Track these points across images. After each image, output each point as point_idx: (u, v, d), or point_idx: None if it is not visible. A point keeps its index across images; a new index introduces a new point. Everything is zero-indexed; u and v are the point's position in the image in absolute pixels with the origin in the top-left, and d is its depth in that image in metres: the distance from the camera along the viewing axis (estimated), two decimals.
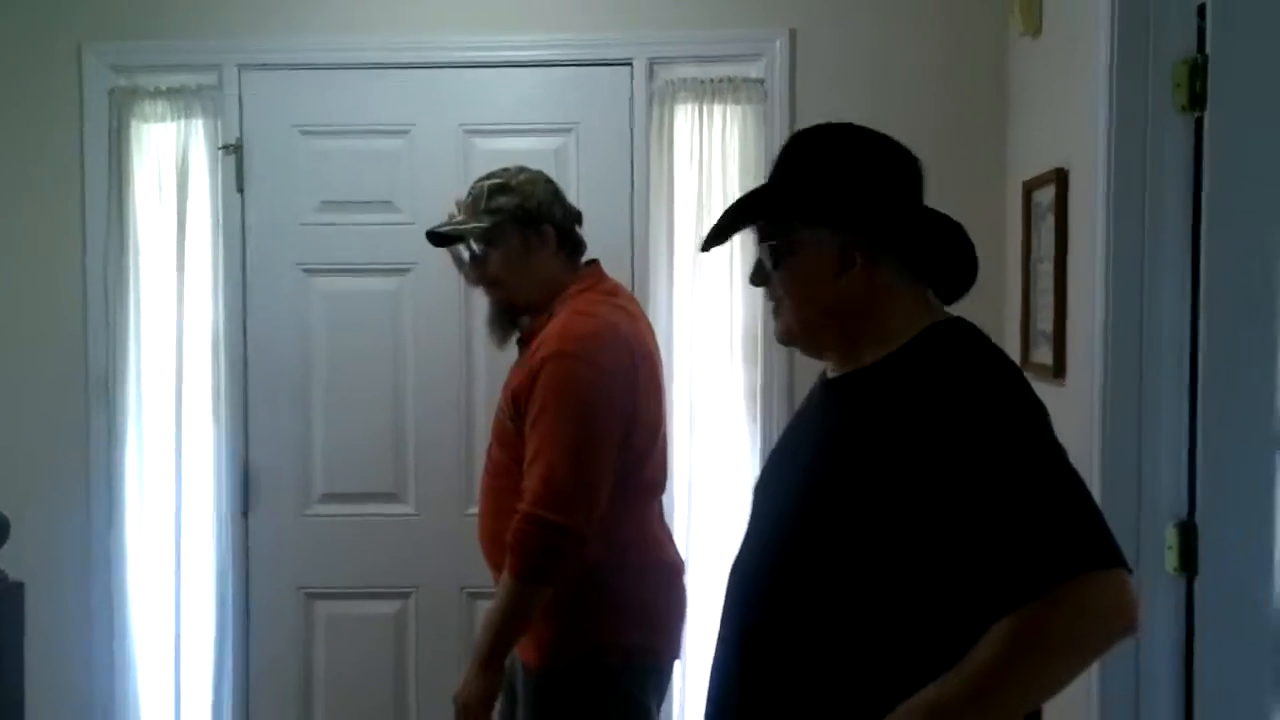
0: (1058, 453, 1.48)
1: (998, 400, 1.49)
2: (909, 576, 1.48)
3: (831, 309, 1.62)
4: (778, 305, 1.69)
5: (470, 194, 2.51)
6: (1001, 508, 1.42)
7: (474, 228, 2.45)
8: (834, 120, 1.70)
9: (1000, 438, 1.46)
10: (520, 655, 2.36)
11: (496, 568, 2.34)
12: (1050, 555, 1.40)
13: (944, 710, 1.42)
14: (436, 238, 2.55)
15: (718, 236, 1.69)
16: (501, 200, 2.44)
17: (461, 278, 2.68)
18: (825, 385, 1.70)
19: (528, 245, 2.44)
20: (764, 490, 1.75)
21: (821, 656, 1.52)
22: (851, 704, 1.50)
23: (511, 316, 2.50)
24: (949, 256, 1.65)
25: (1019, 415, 1.49)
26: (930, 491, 1.46)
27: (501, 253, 2.44)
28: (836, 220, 1.61)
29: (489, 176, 2.51)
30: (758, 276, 1.70)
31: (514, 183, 2.47)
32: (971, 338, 1.60)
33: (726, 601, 1.68)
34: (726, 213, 1.68)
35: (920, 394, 1.51)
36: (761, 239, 1.67)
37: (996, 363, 1.56)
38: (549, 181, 2.52)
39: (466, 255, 2.54)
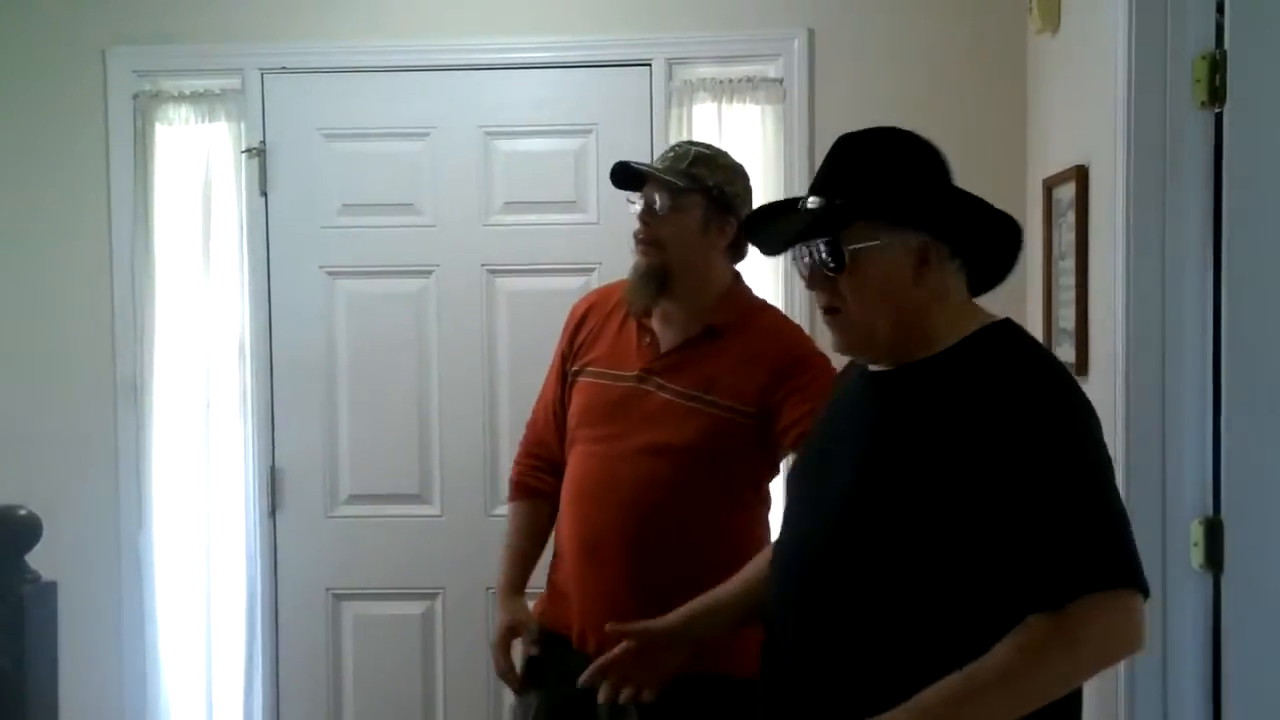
0: (1100, 463, 1.51)
1: (1050, 406, 1.52)
2: (949, 569, 1.51)
3: (902, 313, 1.60)
4: (836, 314, 1.64)
5: (673, 150, 2.40)
6: (1035, 514, 1.46)
7: (667, 180, 2.31)
8: (858, 118, 1.74)
9: (1047, 446, 1.49)
10: (721, 666, 2.09)
11: (673, 578, 2.09)
12: (1070, 569, 1.43)
13: (926, 710, 1.46)
14: (626, 175, 2.36)
15: (787, 243, 1.68)
16: (703, 171, 2.32)
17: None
18: (869, 378, 1.69)
19: (707, 226, 2.32)
20: (805, 479, 1.75)
21: (863, 635, 1.55)
22: (882, 685, 1.52)
23: (661, 284, 2.31)
24: (998, 250, 1.67)
25: (1068, 423, 1.52)
26: (975, 491, 1.48)
27: (680, 220, 2.30)
28: (923, 221, 1.60)
29: (696, 144, 2.42)
30: (817, 281, 1.64)
31: (721, 161, 2.37)
32: (1023, 340, 1.63)
33: (775, 582, 1.70)
34: (807, 220, 1.63)
35: (975, 395, 1.53)
36: (828, 243, 1.61)
37: (1049, 367, 1.59)
38: (749, 180, 2.41)
39: (654, 202, 2.33)
